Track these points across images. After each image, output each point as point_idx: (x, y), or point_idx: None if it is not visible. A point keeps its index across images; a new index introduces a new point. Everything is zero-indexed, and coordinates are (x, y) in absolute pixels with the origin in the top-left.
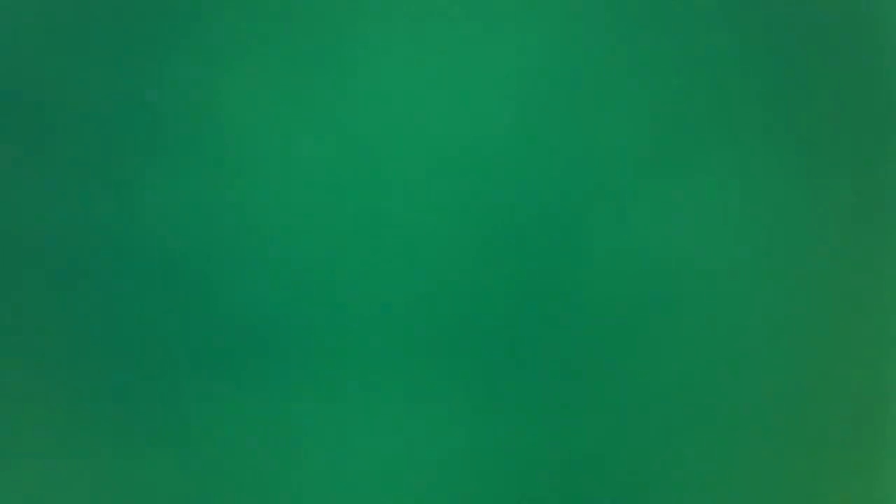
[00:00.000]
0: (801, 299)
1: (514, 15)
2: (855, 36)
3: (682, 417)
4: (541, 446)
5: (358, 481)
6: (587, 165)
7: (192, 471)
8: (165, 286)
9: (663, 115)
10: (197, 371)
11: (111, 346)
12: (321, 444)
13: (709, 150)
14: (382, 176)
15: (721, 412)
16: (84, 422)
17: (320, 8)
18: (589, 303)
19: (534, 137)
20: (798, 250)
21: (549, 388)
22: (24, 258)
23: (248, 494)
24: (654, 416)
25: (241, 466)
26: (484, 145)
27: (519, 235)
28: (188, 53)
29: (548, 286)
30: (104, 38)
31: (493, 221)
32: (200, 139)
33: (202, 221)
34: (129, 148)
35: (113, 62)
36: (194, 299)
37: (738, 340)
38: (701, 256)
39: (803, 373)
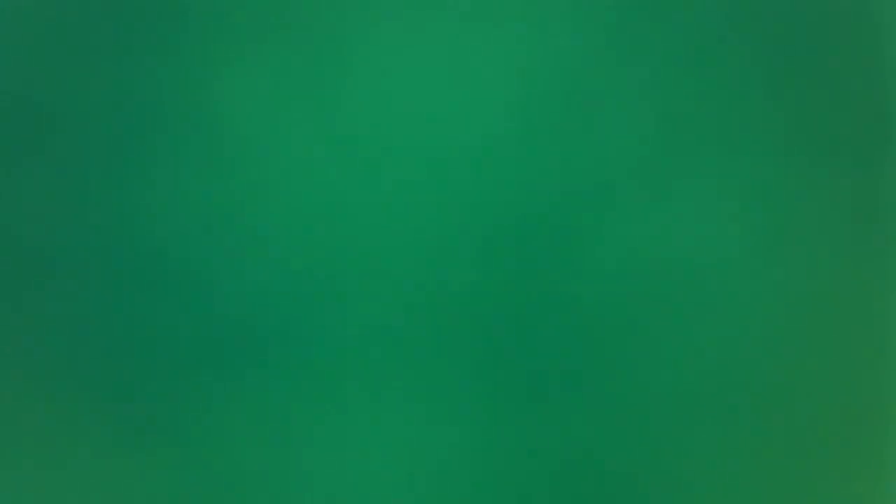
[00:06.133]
0: (802, 299)
1: (514, 15)
2: (855, 36)
3: (683, 417)
4: (542, 447)
5: (359, 482)
6: (587, 166)
7: (193, 471)
8: (165, 285)
9: (664, 115)
10: (197, 371)
11: (111, 345)
12: (322, 444)
13: (709, 150)
14: (382, 176)
15: (721, 412)
16: (84, 421)
17: (320, 8)
18: (590, 303)
19: (535, 138)
20: (798, 251)
21: (550, 389)
22: (24, 258)
23: (248, 495)
24: (655, 416)
25: (241, 467)
26: (485, 146)
27: (520, 236)
28: (188, 53)
29: (548, 287)
30: (104, 38)
31: (494, 222)
32: (200, 139)
33: (202, 221)
34: (128, 148)
35: (113, 62)
36: (195, 299)
37: (738, 341)
38: (701, 257)
39: (803, 373)
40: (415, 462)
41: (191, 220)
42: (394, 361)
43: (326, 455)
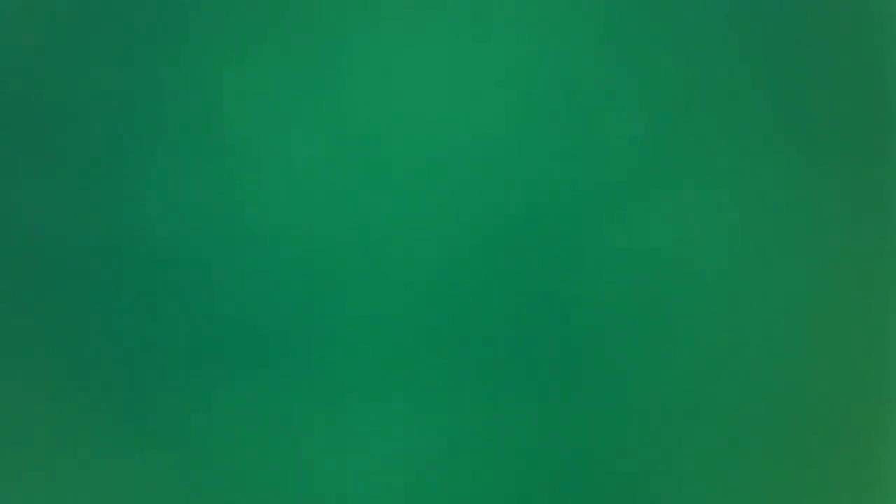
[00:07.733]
0: (801, 299)
1: (514, 15)
2: (855, 36)
3: (683, 416)
4: (542, 445)
5: (359, 481)
6: (587, 165)
7: (193, 471)
8: (165, 285)
9: (663, 115)
10: (197, 371)
11: (111, 345)
12: (322, 443)
13: (708, 150)
14: (382, 176)
15: (721, 412)
16: (84, 421)
17: (320, 8)
18: (589, 303)
19: (534, 137)
20: (798, 251)
21: (549, 389)
22: (24, 258)
23: (249, 495)
24: (655, 416)
25: (241, 466)
26: (484, 145)
27: (519, 235)
28: (188, 53)
29: (548, 286)
30: (104, 38)
31: (494, 221)
32: (200, 139)
33: (202, 221)
34: (129, 148)
35: (113, 62)
36: (194, 299)
37: (738, 341)
38: (700, 257)
39: (803, 373)
40: (415, 461)
41: (191, 220)
42: (394, 361)
43: (326, 454)
